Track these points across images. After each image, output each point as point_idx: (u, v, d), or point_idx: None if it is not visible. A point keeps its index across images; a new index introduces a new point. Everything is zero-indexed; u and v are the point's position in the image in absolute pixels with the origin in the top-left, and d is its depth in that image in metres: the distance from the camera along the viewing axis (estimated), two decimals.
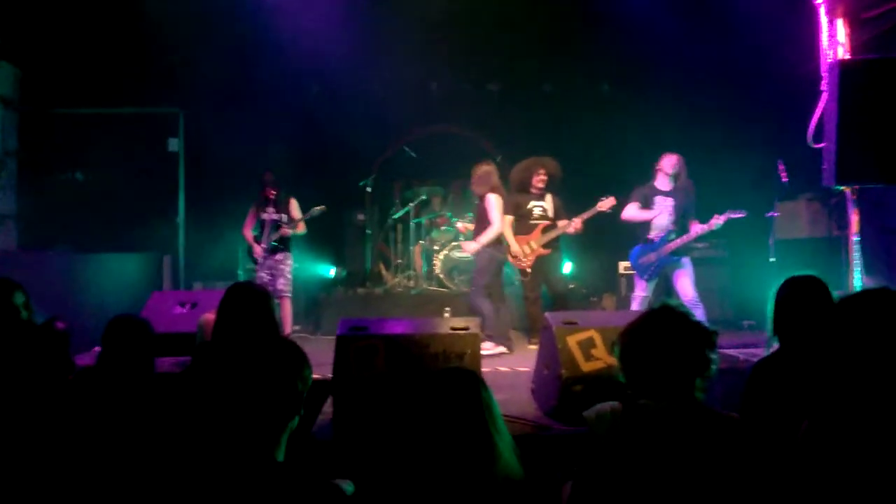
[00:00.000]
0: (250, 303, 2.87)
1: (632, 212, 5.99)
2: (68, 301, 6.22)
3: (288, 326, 6.54)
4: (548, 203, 6.46)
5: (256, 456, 1.79)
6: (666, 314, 2.07)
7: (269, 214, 6.62)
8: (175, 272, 8.27)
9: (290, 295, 6.60)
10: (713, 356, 2.04)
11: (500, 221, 6.21)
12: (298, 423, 1.93)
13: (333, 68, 8.19)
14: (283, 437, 1.88)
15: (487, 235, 6.21)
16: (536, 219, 6.42)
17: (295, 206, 6.69)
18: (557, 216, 6.44)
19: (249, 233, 6.72)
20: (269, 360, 1.86)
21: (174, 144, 8.33)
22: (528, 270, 6.40)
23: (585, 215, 6.24)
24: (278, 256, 6.58)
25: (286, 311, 6.53)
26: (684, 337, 2.01)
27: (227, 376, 1.95)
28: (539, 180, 6.41)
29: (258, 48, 7.66)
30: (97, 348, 2.88)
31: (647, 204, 5.95)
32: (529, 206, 6.42)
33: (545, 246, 6.35)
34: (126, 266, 7.33)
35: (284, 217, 6.63)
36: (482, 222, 6.32)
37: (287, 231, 6.54)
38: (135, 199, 7.91)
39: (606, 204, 6.17)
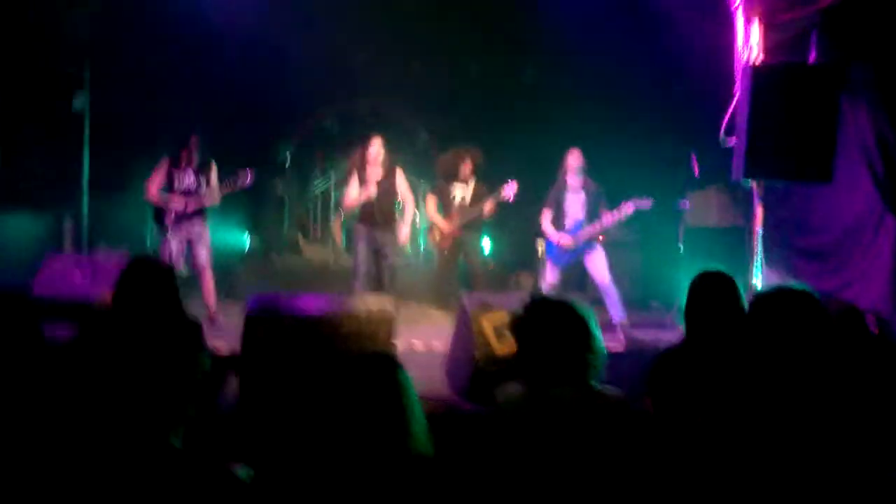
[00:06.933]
0: (153, 280, 2.68)
1: (545, 225, 6.27)
2: None
3: (212, 300, 5.94)
4: (468, 189, 6.65)
5: (150, 440, 1.72)
6: (543, 306, 2.25)
7: (188, 179, 5.87)
8: (78, 234, 7.81)
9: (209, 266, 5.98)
10: (595, 342, 2.18)
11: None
12: (202, 400, 1.87)
13: (255, 34, 7.86)
14: (180, 421, 1.81)
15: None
16: (456, 204, 6.65)
17: (214, 173, 5.95)
18: (477, 200, 6.57)
19: (157, 192, 5.84)
20: (164, 344, 1.77)
21: (80, 102, 7.80)
22: (445, 251, 6.72)
23: (489, 202, 6.41)
24: (198, 225, 5.91)
25: (209, 284, 5.93)
26: (564, 327, 2.16)
27: (121, 357, 1.86)
28: (466, 168, 6.63)
29: (174, 6, 7.25)
30: None
31: (559, 206, 6.20)
32: (452, 192, 6.67)
33: (460, 228, 6.57)
34: (20, 225, 6.87)
35: (204, 183, 5.91)
36: None
37: (206, 202, 5.89)
38: (36, 157, 7.40)
39: (509, 190, 6.30)
